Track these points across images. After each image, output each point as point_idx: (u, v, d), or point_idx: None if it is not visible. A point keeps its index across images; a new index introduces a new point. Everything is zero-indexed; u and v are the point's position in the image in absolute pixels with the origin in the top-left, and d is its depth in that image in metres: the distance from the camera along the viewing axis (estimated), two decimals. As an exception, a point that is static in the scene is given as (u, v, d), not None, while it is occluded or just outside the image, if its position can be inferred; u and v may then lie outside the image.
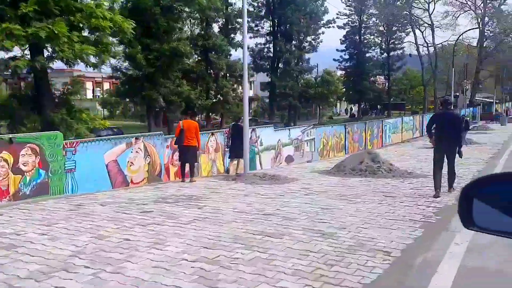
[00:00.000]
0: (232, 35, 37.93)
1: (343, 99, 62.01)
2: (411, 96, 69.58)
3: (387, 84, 61.09)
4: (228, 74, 35.16)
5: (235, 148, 12.47)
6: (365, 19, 58.03)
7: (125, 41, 23.96)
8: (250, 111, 61.47)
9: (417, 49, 50.47)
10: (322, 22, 46.12)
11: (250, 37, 41.26)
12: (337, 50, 58.14)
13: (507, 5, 49.54)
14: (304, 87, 39.77)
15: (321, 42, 46.51)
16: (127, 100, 26.92)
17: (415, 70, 63.22)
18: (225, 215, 6.28)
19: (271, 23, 41.11)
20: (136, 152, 10.21)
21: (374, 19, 58.28)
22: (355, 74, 57.21)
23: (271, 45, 42.06)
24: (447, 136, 8.32)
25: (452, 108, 9.72)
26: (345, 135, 20.28)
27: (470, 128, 35.81)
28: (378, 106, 64.95)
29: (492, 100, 60.11)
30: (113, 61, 24.80)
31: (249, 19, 41.34)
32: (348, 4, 57.19)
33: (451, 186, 8.67)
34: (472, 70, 53.17)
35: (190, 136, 9.90)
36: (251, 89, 52.78)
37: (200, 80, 31.20)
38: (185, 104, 30.27)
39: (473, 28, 47.48)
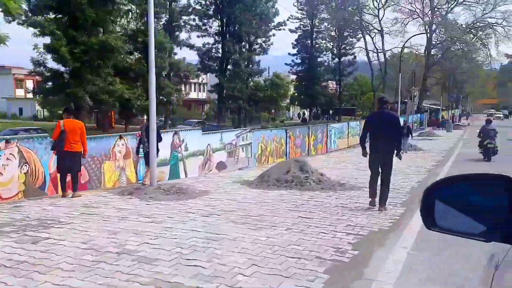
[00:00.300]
0: (177, 33, 36.00)
1: (295, 103, 61.33)
2: (361, 102, 70.05)
3: (338, 89, 60.95)
4: (171, 74, 33.18)
5: (148, 152, 10.70)
6: (317, 24, 57.61)
7: (46, 32, 21.63)
8: (203, 113, 59.60)
9: (367, 55, 50.48)
10: (272, 24, 45.03)
11: (198, 36, 39.47)
12: (289, 54, 57.42)
13: (453, 13, 50.52)
14: (253, 89, 38.37)
15: (271, 44, 45.40)
16: (51, 98, 24.29)
17: (366, 76, 63.60)
18: (59, 254, 4.49)
19: (219, 23, 39.45)
20: (7, 159, 8.20)
21: (326, 23, 58.04)
22: (307, 78, 56.64)
23: (220, 45, 40.43)
24: (385, 138, 7.24)
25: (389, 107, 8.45)
26: (286, 140, 18.90)
27: (415, 134, 35.76)
28: (330, 111, 64.77)
29: (439, 107, 61.29)
30: (33, 53, 22.34)
31: (197, 17, 39.62)
32: (300, 8, 56.61)
33: (383, 203, 7.38)
34: (421, 77, 53.96)
35: (73, 140, 8.00)
36: (203, 91, 51.01)
37: (140, 79, 28.98)
38: (120, 104, 28.02)
39: (420, 33, 47.86)
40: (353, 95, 70.99)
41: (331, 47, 59.57)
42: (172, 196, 8.10)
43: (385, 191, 7.46)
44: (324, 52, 58.73)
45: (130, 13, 29.39)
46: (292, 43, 57.33)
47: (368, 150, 7.70)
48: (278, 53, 64.73)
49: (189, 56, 38.95)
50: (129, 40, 29.13)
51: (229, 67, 39.85)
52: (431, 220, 1.32)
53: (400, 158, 7.74)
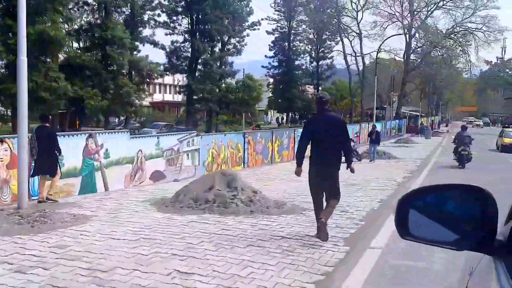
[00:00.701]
0: (141, 29, 33.61)
1: (273, 107, 59.35)
2: (340, 107, 68.44)
3: (316, 93, 59.12)
4: (133, 73, 30.74)
5: (41, 160, 8.43)
6: (295, 26, 55.85)
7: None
8: (179, 116, 57.10)
9: (345, 58, 48.79)
10: (246, 24, 42.96)
11: (166, 34, 37.08)
12: (266, 56, 55.49)
13: (433, 17, 49.28)
14: (225, 91, 36.15)
15: (245, 45, 43.32)
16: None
17: (345, 81, 61.90)
18: None
19: (189, 20, 37.13)
20: None
21: (304, 26, 56.33)
22: (284, 81, 54.78)
23: (189, 44, 38.10)
24: (327, 148, 5.80)
25: (330, 108, 6.43)
26: (244, 146, 16.72)
27: (393, 141, 34.03)
28: (309, 116, 62.93)
29: (418, 113, 60.01)
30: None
31: (164, 14, 37.27)
32: (277, 9, 54.78)
33: (326, 214, 5.58)
34: (400, 83, 52.56)
35: None
36: (179, 93, 48.37)
37: (95, 77, 26.47)
38: (71, 104, 25.50)
39: (397, 34, 46.34)
40: (332, 100, 69.40)
41: (309, 50, 57.90)
42: (21, 227, 5.78)
43: (332, 203, 5.78)
44: (302, 55, 57.00)
45: (84, 5, 26.99)
46: (269, 45, 55.48)
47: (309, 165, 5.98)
48: (256, 57, 62.71)
49: (159, 56, 36.46)
50: (82, 34, 26.68)
51: (199, 67, 37.57)
52: (405, 229, 1.34)
53: (352, 171, 6.17)
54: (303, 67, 57.52)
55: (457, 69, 57.22)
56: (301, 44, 57.02)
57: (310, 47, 57.94)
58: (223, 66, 41.11)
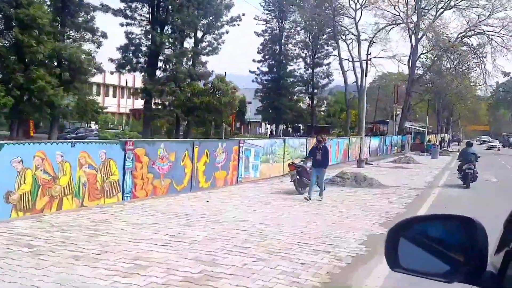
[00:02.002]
0: (92, 15, 27.76)
1: (261, 117, 53.17)
2: (340, 119, 61.95)
3: (311, 104, 52.93)
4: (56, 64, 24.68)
5: None
6: (287, 27, 49.95)
7: None
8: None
9: (340, 63, 42.62)
10: (225, 18, 37.08)
11: (122, 24, 31.15)
12: (253, 60, 49.57)
13: (443, 19, 42.98)
14: (189, 95, 30.09)
15: (223, 43, 37.41)
16: None
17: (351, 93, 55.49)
18: None
19: (149, 9, 31.24)
20: None
21: (298, 28, 50.40)
22: (273, 89, 48.74)
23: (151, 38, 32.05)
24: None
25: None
26: (124, 163, 10.32)
27: (390, 159, 27.65)
28: (301, 129, 56.72)
29: (425, 129, 53.35)
30: None
31: None
32: (267, 7, 48.96)
33: None
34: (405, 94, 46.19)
35: None
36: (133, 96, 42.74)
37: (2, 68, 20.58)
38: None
39: (391, 24, 40.01)
40: (332, 112, 63.15)
41: (304, 55, 51.82)
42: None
43: None
44: (295, 60, 50.92)
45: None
46: (258, 48, 49.58)
47: None
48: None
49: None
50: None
51: (162, 65, 31.61)
52: (395, 260, 1.33)
53: None
54: (296, 73, 51.40)
55: (471, 80, 50.56)
56: (294, 48, 51.02)
57: (305, 52, 51.88)
58: (197, 67, 35.19)
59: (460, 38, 41.98)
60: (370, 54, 31.71)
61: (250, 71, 49.42)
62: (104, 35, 26.65)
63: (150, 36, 29.38)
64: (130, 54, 30.26)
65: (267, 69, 49.61)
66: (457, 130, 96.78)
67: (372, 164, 26.04)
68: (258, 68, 49.56)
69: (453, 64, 43.98)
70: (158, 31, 30.42)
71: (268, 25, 49.17)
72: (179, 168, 12.01)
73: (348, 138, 27.72)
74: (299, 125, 55.73)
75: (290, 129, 55.69)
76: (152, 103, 32.91)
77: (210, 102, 30.28)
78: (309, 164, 12.35)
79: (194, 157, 12.59)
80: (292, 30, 49.95)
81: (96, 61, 25.73)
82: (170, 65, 30.78)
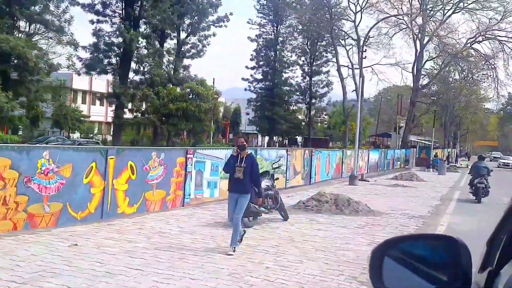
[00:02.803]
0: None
1: (256, 128, 49.67)
2: (341, 132, 58.27)
3: (308, 114, 49.44)
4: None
5: None
6: (283, 31, 46.72)
7: None
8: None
9: (338, 69, 39.15)
10: (211, 18, 33.99)
11: (93, 22, 27.94)
12: (246, 67, 46.27)
13: (451, 23, 39.51)
14: (165, 100, 26.70)
15: (208, 44, 34.27)
16: None
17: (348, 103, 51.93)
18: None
19: (122, 3, 28.01)
20: None
21: (296, 34, 47.18)
22: (267, 97, 45.38)
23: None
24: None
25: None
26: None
27: (390, 176, 24.31)
28: (299, 141, 53.19)
29: (431, 143, 49.61)
30: None
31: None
32: (261, 10, 45.81)
33: None
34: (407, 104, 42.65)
35: None
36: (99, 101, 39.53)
37: None
38: None
39: (387, 17, 36.55)
40: (331, 124, 59.52)
41: (301, 62, 48.48)
42: None
43: None
44: (291, 68, 47.57)
45: None
46: (251, 55, 46.33)
47: None
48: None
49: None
50: None
51: (136, 67, 28.34)
52: (379, 280, 1.33)
53: None
54: (293, 81, 48.05)
55: (481, 91, 46.96)
56: (291, 54, 47.72)
57: (303, 59, 48.54)
58: (178, 71, 31.98)
59: (469, 44, 38.51)
60: (365, 51, 28.03)
61: (243, 79, 46.17)
62: (58, 30, 23.34)
63: (121, 33, 26.11)
64: (100, 54, 26.97)
65: (261, 77, 46.31)
66: (464, 145, 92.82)
67: (368, 181, 22.39)
68: (251, 75, 46.33)
69: (462, 72, 40.42)
70: (131, 29, 27.17)
71: (262, 29, 46.03)
72: (79, 187, 8.50)
73: (342, 151, 24.12)
74: (296, 137, 52.18)
75: (286, 142, 52.11)
76: (128, 109, 29.70)
77: (187, 108, 26.88)
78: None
79: (108, 172, 9.07)
80: (288, 35, 46.71)
81: (50, 59, 22.40)
82: (144, 67, 27.48)
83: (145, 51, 27.16)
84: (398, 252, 1.33)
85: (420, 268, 1.28)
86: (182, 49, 33.60)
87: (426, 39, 39.62)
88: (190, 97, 27.88)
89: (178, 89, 27.74)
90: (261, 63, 46.07)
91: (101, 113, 45.55)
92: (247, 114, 51.45)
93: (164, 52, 30.41)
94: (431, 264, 1.28)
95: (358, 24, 39.14)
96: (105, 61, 27.71)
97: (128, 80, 27.88)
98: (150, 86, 28.14)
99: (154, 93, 27.51)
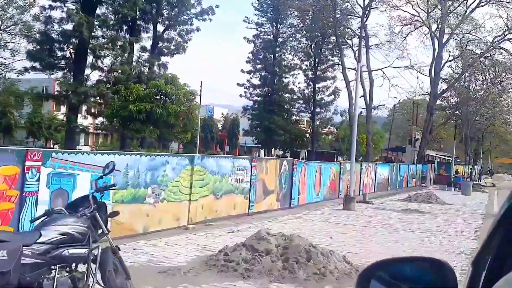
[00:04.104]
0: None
1: (253, 138, 44.50)
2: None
3: (311, 124, 44.18)
4: None
5: None
6: (283, 32, 41.89)
7: None
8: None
9: (343, 71, 34.01)
10: (193, 11, 29.36)
11: (44, 8, 23.42)
12: (242, 71, 41.39)
13: (474, 19, 34.10)
14: (125, 101, 21.84)
15: (189, 40, 29.63)
16: None
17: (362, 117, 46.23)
18: None
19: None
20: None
21: (298, 35, 42.35)
22: (263, 105, 40.39)
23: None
24: None
25: None
26: None
27: (402, 197, 19.14)
28: (302, 155, 47.86)
29: (451, 158, 43.74)
30: None
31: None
32: (258, 8, 41.11)
33: None
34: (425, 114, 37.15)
35: None
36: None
37: None
38: None
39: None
40: (340, 136, 54.09)
41: (304, 67, 43.42)
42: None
43: None
44: (292, 72, 42.55)
45: None
46: (248, 57, 41.49)
47: None
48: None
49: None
50: None
51: (92, 60, 23.63)
52: None
53: None
54: (295, 87, 42.95)
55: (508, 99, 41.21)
56: (292, 57, 42.72)
57: (306, 63, 43.49)
58: (158, 69, 27.36)
59: (496, 42, 33.06)
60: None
61: (239, 84, 41.29)
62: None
63: (70, 17, 21.39)
64: (48, 47, 22.35)
65: (258, 82, 41.34)
66: (485, 161, 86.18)
67: (372, 204, 17.08)
68: (248, 80, 41.39)
69: (488, 75, 34.91)
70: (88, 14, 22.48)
71: (260, 29, 41.27)
72: None
73: (339, 164, 18.82)
74: (298, 150, 46.87)
75: (288, 155, 46.83)
76: (90, 113, 25.04)
77: (153, 110, 22.01)
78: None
79: None
80: (290, 36, 41.88)
81: None
82: (102, 61, 22.81)
83: (103, 41, 22.42)
84: (386, 275, 1.30)
85: None
86: (160, 45, 28.98)
87: (446, 37, 34.37)
88: (158, 97, 23.03)
89: (143, 88, 22.87)
90: (258, 66, 41.19)
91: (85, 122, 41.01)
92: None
93: (137, 47, 25.86)
94: (417, 286, 1.28)
95: (366, 20, 34.21)
96: (59, 54, 23.05)
97: (85, 77, 23.15)
98: (114, 85, 23.45)
99: (113, 92, 22.75)
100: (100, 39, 22.70)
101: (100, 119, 26.47)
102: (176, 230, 9.26)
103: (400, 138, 63.44)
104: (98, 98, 23.16)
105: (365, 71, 35.46)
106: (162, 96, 23.06)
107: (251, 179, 12.31)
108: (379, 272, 1.31)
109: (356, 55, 35.65)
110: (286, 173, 14.36)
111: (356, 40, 35.93)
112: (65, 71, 23.01)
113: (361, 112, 36.85)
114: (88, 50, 22.66)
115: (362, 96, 35.32)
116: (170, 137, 24.16)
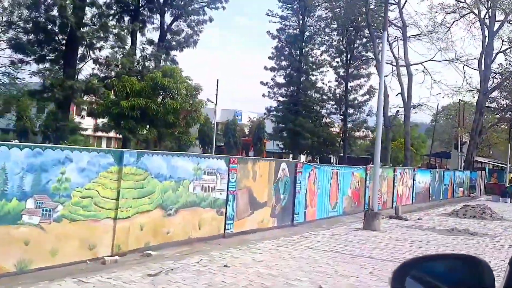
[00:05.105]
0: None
1: (280, 143, 40.87)
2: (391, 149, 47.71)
3: (343, 127, 40.14)
4: None
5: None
6: (309, 24, 38.27)
7: None
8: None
9: (377, 65, 29.98)
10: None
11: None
12: (265, 68, 38.02)
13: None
14: (125, 96, 18.99)
15: (200, 32, 26.70)
16: None
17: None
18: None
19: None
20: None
21: (327, 29, 38.63)
22: (289, 105, 36.85)
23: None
24: None
25: None
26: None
27: (436, 212, 15.16)
28: (333, 160, 43.88)
29: (504, 165, 38.41)
30: None
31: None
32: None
33: None
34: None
35: None
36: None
37: None
38: None
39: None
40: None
41: (335, 64, 39.55)
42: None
43: None
44: (320, 69, 38.75)
45: None
46: (272, 53, 38.09)
47: None
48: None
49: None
50: None
51: (83, 51, 20.90)
52: None
53: None
54: (325, 86, 39.12)
55: None
56: (320, 52, 38.96)
57: (338, 60, 39.59)
58: (161, 63, 24.61)
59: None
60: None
61: (262, 83, 37.91)
62: None
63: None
64: (34, 36, 19.83)
65: (283, 80, 37.80)
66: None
67: (406, 220, 13.25)
68: (272, 78, 37.95)
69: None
70: None
71: (285, 22, 37.78)
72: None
73: (364, 169, 14.99)
74: (329, 156, 42.87)
75: (317, 161, 42.92)
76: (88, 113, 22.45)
77: (148, 107, 19.02)
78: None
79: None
80: (318, 30, 38.18)
81: None
82: (95, 51, 20.09)
83: (94, 28, 19.66)
84: (420, 272, 1.28)
85: None
86: (168, 37, 26.17)
87: (497, 24, 29.69)
88: (156, 93, 20.05)
89: (137, 81, 19.91)
90: (283, 63, 37.69)
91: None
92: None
93: (143, 40, 23.19)
94: (453, 284, 1.24)
95: (402, 7, 30.12)
96: (49, 46, 20.51)
97: (78, 71, 20.52)
98: (106, 80, 20.72)
99: (106, 87, 19.98)
100: (92, 26, 19.95)
101: (102, 119, 23.79)
102: (83, 266, 5.95)
103: (444, 145, 57.98)
104: (90, 94, 20.42)
105: (403, 65, 31.31)
106: (160, 91, 20.03)
107: (228, 187, 8.87)
108: (413, 270, 1.27)
109: (391, 47, 31.54)
110: (285, 179, 10.80)
111: (392, 31, 31.83)
112: (54, 63, 20.42)
113: (397, 112, 32.70)
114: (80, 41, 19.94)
115: (399, 93, 31.19)
116: (170, 138, 21.06)
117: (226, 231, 8.82)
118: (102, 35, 19.79)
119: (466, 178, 28.84)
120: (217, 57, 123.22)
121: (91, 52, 20.46)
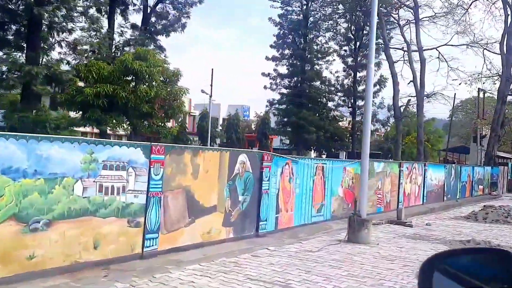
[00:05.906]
0: None
1: (284, 138, 38.19)
2: (404, 145, 44.50)
3: (352, 120, 37.35)
4: None
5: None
6: (313, 9, 35.47)
7: None
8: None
9: (385, 50, 27.09)
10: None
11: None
12: (266, 58, 35.38)
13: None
14: (93, 82, 16.68)
15: (187, 15, 24.27)
16: None
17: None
18: None
19: None
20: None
21: (336, 16, 35.83)
22: (292, 97, 34.20)
23: None
24: None
25: None
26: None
27: (448, 214, 12.32)
28: (342, 156, 41.00)
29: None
30: None
31: None
32: (285, -18, 34.99)
33: None
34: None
35: None
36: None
37: None
38: None
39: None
40: (390, 135, 46.61)
41: (343, 52, 36.77)
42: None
43: None
44: (326, 58, 35.95)
45: None
46: (274, 42, 35.44)
47: None
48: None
49: None
50: None
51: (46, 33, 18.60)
52: None
53: None
54: (332, 75, 36.41)
55: None
56: (325, 40, 36.17)
57: (346, 49, 36.83)
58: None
59: None
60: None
61: (263, 74, 35.26)
62: None
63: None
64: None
65: (285, 70, 35.11)
66: None
67: (411, 226, 10.57)
68: (274, 69, 35.29)
69: None
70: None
71: (287, 7, 35.03)
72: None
73: (359, 164, 12.33)
74: (337, 151, 40.05)
75: (324, 157, 40.08)
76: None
77: (116, 94, 16.62)
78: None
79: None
80: (322, 16, 35.38)
81: None
82: (59, 33, 17.75)
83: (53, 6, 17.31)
84: (448, 267, 1.24)
85: (472, 283, 1.19)
86: (152, 20, 23.81)
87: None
88: (126, 78, 17.67)
89: (105, 65, 17.49)
90: (285, 51, 34.98)
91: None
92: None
93: (126, 22, 20.85)
94: (483, 278, 1.20)
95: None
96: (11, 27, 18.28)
97: (42, 54, 18.19)
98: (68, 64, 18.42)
99: (73, 74, 17.65)
100: (55, 4, 17.62)
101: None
102: None
103: (463, 140, 54.55)
104: (55, 82, 18.08)
105: (415, 50, 28.31)
106: (132, 76, 17.61)
107: (149, 187, 6.34)
108: (441, 264, 1.25)
109: (402, 31, 28.58)
110: (246, 175, 8.21)
111: (402, 13, 28.92)
112: (16, 49, 18.17)
113: (409, 101, 29.71)
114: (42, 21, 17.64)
115: (411, 81, 28.22)
116: (147, 131, 18.62)
117: (145, 249, 6.30)
118: (65, 13, 17.42)
119: (486, 174, 25.78)
120: (234, 55, 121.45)
121: (55, 34, 18.11)
